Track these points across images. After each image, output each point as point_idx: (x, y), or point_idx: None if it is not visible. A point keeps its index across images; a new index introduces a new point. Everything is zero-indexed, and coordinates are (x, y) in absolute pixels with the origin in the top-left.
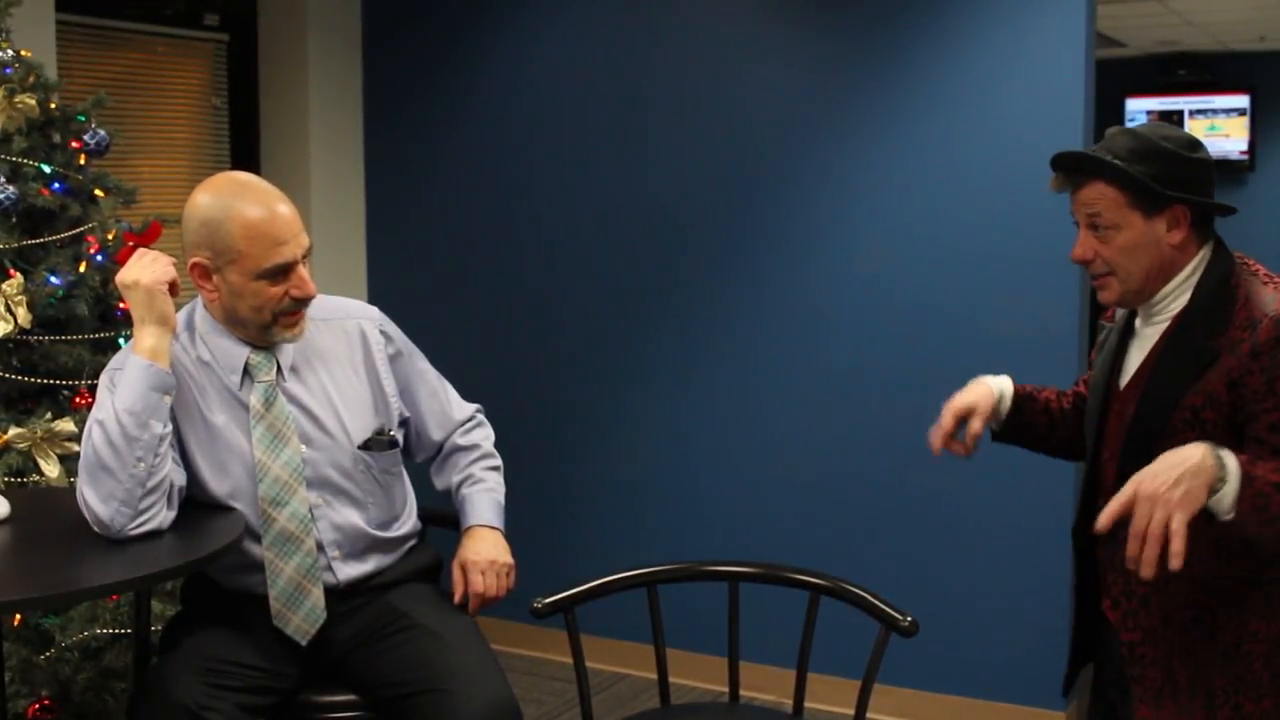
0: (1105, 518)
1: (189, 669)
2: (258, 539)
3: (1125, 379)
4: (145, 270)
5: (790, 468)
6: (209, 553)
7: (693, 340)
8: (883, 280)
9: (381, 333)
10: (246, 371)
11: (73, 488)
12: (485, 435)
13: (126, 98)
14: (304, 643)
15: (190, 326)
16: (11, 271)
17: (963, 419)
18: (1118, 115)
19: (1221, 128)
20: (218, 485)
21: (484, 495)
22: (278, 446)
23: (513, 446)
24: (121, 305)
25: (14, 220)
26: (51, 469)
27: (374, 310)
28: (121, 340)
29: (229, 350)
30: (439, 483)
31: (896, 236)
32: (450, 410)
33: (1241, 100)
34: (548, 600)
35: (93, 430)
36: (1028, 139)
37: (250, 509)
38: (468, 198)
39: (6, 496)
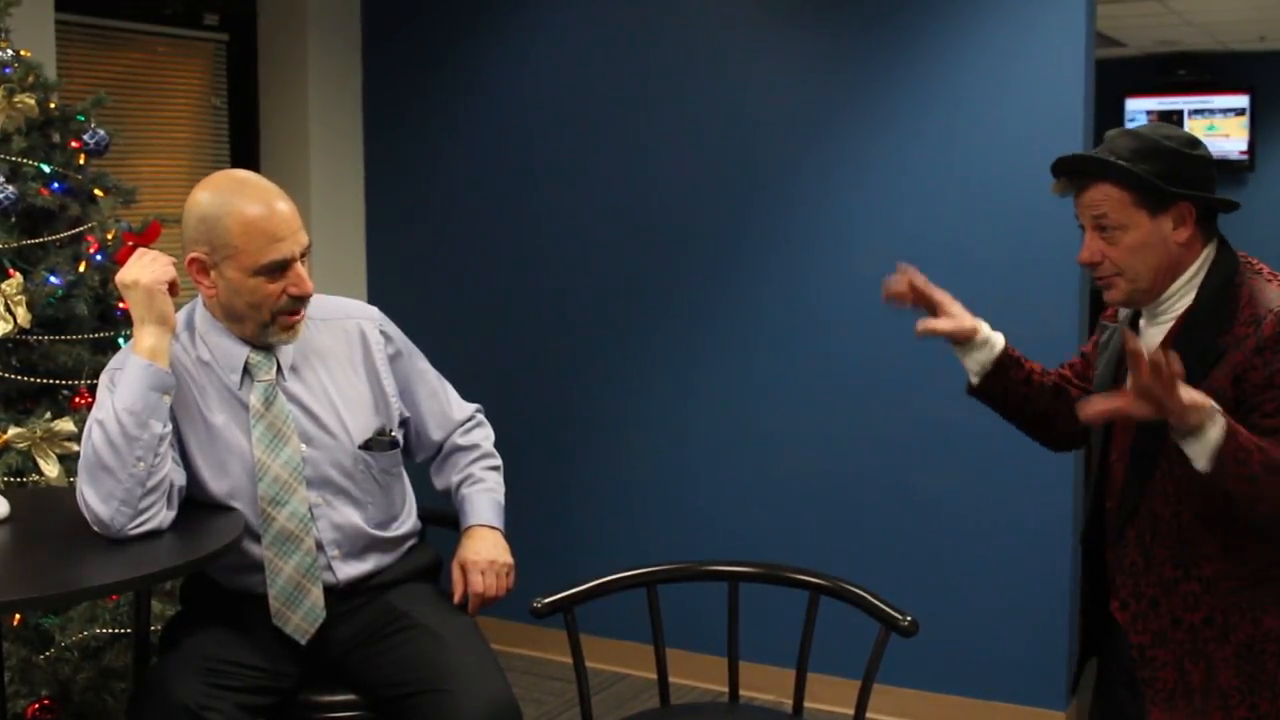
0: (1098, 408)
1: (189, 669)
2: (257, 539)
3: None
4: (145, 270)
5: (790, 468)
6: (209, 553)
7: (692, 340)
8: (883, 280)
9: (381, 333)
10: (246, 371)
11: (72, 488)
12: (485, 435)
13: (126, 98)
14: (303, 642)
15: (190, 326)
16: (11, 271)
17: (927, 307)
18: (1118, 115)
19: (1220, 127)
20: (217, 485)
21: (484, 495)
22: (277, 446)
23: (513, 446)
24: (121, 305)
25: (14, 220)
26: (51, 469)
27: (374, 310)
28: (121, 340)
29: (229, 349)
30: (439, 482)
31: (896, 236)
32: (450, 410)
33: (1241, 100)
34: (548, 600)
35: (92, 430)
36: (1028, 139)
37: (250, 508)
38: (468, 198)
39: (6, 496)
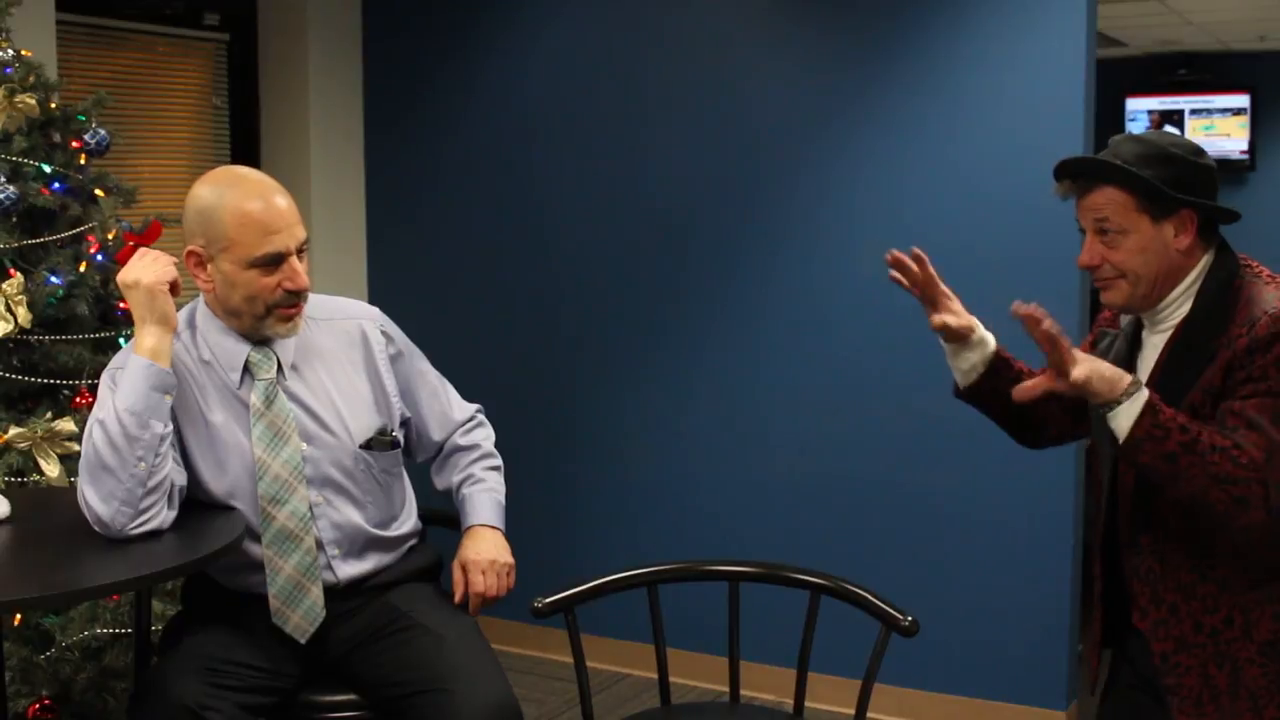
0: (1027, 387)
1: (190, 669)
2: (258, 539)
3: None
4: (146, 270)
5: (790, 468)
6: (209, 553)
7: (693, 340)
8: (883, 280)
9: (382, 333)
10: (247, 369)
11: (73, 487)
12: (486, 435)
13: (126, 98)
14: (303, 641)
15: (191, 325)
16: (12, 271)
17: (927, 301)
18: (1118, 115)
19: (1217, 127)
20: (217, 484)
21: (484, 495)
22: (278, 444)
23: (513, 446)
24: (122, 305)
25: (14, 220)
26: (52, 469)
27: (375, 310)
28: (122, 340)
29: (229, 348)
30: (439, 483)
31: (897, 237)
32: (451, 411)
33: (1241, 100)
34: (548, 600)
35: (93, 430)
36: (1028, 139)
37: (249, 507)
38: (468, 198)
39: (6, 496)
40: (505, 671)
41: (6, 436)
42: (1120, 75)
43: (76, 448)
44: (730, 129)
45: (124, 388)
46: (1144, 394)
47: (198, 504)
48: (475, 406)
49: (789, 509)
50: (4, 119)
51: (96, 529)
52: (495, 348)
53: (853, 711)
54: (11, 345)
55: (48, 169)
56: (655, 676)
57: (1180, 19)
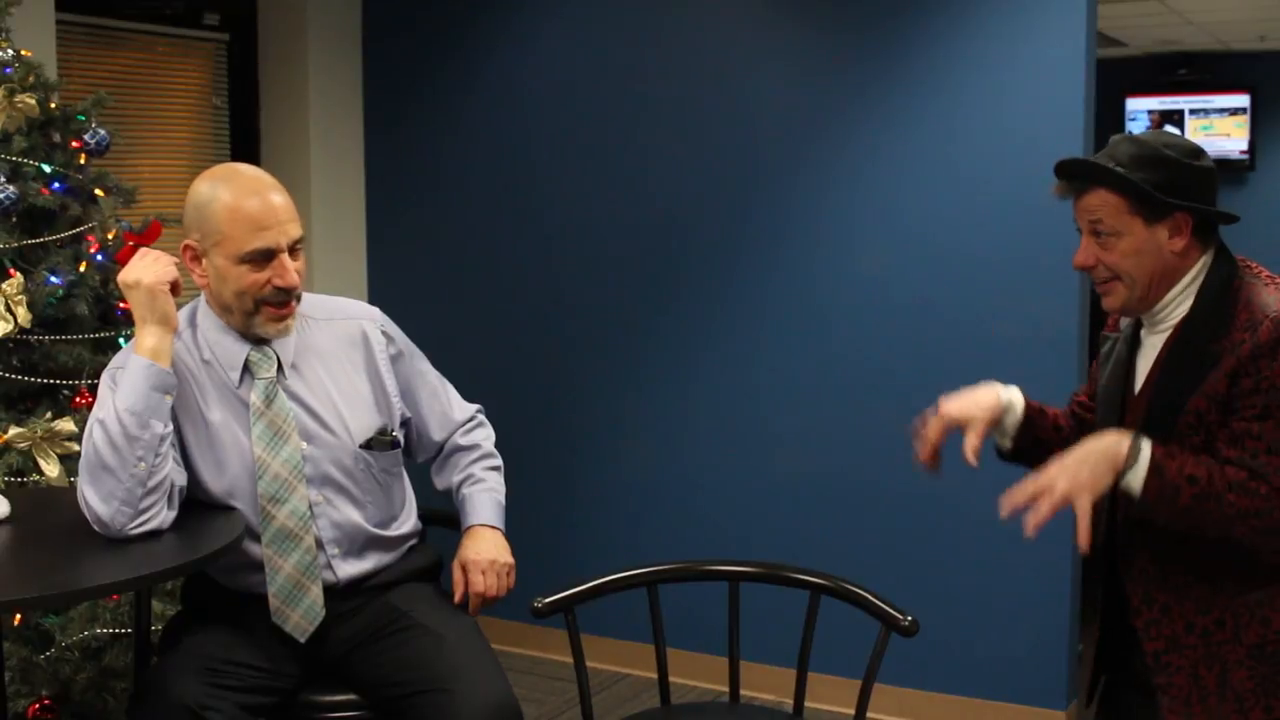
0: (1011, 503)
1: (190, 669)
2: (257, 539)
3: (1136, 388)
4: (147, 270)
5: (790, 468)
6: (209, 553)
7: (693, 340)
8: (883, 280)
9: (383, 333)
10: (247, 368)
11: (73, 487)
12: (486, 435)
13: (126, 98)
14: (302, 640)
15: (193, 323)
16: (12, 271)
17: (955, 430)
18: (1118, 115)
19: (1217, 127)
20: (216, 483)
21: (484, 495)
22: (278, 443)
23: (513, 446)
24: (122, 305)
25: (14, 220)
26: (51, 469)
27: (375, 311)
28: (122, 340)
29: (229, 347)
30: (439, 483)
31: (897, 237)
32: (451, 411)
33: (1241, 100)
34: (548, 600)
35: (94, 430)
36: (1028, 138)
37: (249, 506)
38: (468, 197)
39: (6, 496)
40: (505, 671)
41: (6, 436)
42: (1120, 75)
43: (76, 448)
44: (730, 128)
45: (124, 388)
46: (1145, 459)
47: (198, 504)
48: (475, 407)
49: (789, 509)
50: (4, 119)
51: (96, 529)
52: (495, 347)
53: (853, 711)
54: (11, 345)
55: (48, 169)
56: (655, 676)
57: (1180, 19)
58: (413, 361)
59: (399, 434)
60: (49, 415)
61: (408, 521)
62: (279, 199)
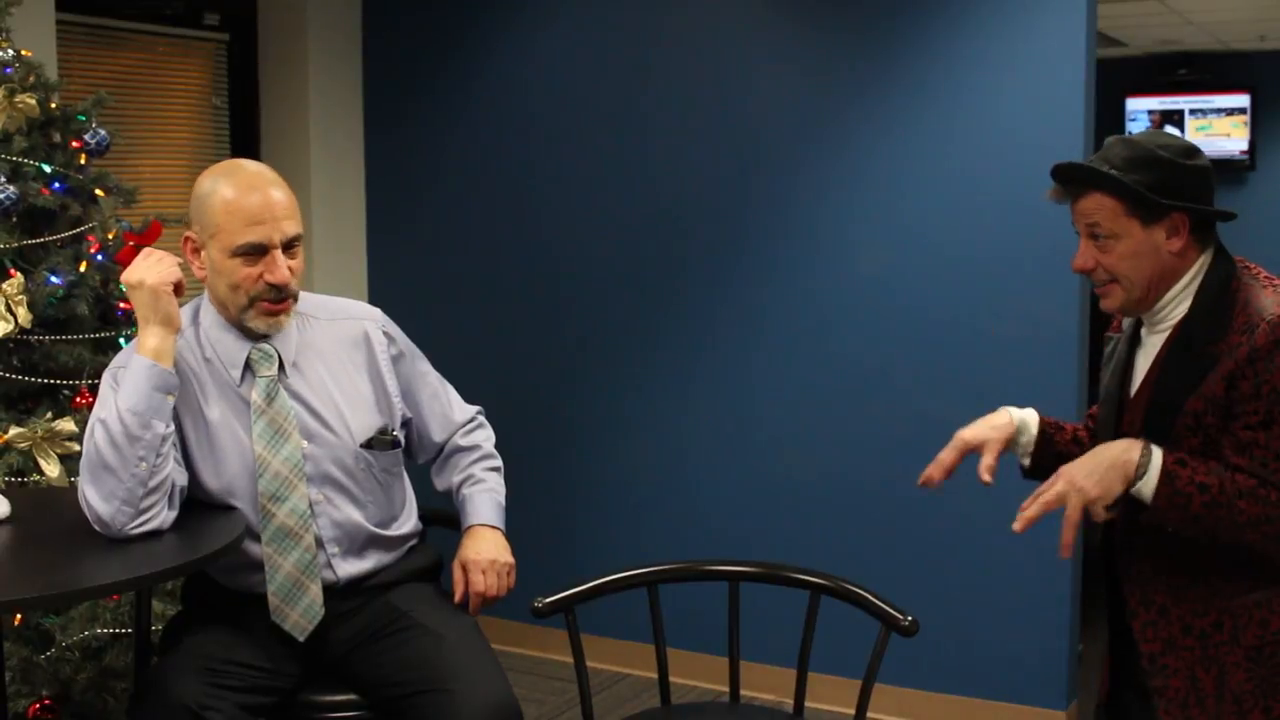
0: (1026, 517)
1: (190, 669)
2: (257, 538)
3: (1134, 388)
4: (150, 270)
5: (790, 468)
6: (209, 553)
7: (693, 340)
8: (883, 280)
9: (384, 334)
10: (248, 366)
11: (73, 487)
12: (486, 436)
13: (126, 98)
14: (301, 639)
15: (195, 321)
16: (12, 271)
17: (971, 452)
18: (1118, 115)
19: (1216, 127)
20: (217, 480)
21: (484, 495)
22: (279, 442)
23: (513, 446)
24: (122, 305)
25: (14, 220)
26: (52, 469)
27: (377, 312)
28: (122, 340)
29: (231, 345)
30: (439, 483)
31: (897, 237)
32: (451, 412)
33: (1242, 100)
34: (548, 600)
35: (95, 429)
36: (1028, 139)
37: (249, 504)
38: (468, 198)
39: (7, 496)
40: (505, 671)
41: (6, 436)
42: (1120, 75)
43: (76, 448)
44: (730, 128)
45: (126, 387)
46: (1156, 467)
47: (198, 504)
48: (476, 408)
49: (789, 509)
50: (4, 119)
51: (97, 528)
52: (495, 347)
53: (853, 711)
54: (11, 345)
55: (48, 169)
56: (655, 676)
57: (1180, 19)
58: (414, 362)
59: (399, 434)
60: (49, 415)
61: (408, 522)
62: (279, 195)
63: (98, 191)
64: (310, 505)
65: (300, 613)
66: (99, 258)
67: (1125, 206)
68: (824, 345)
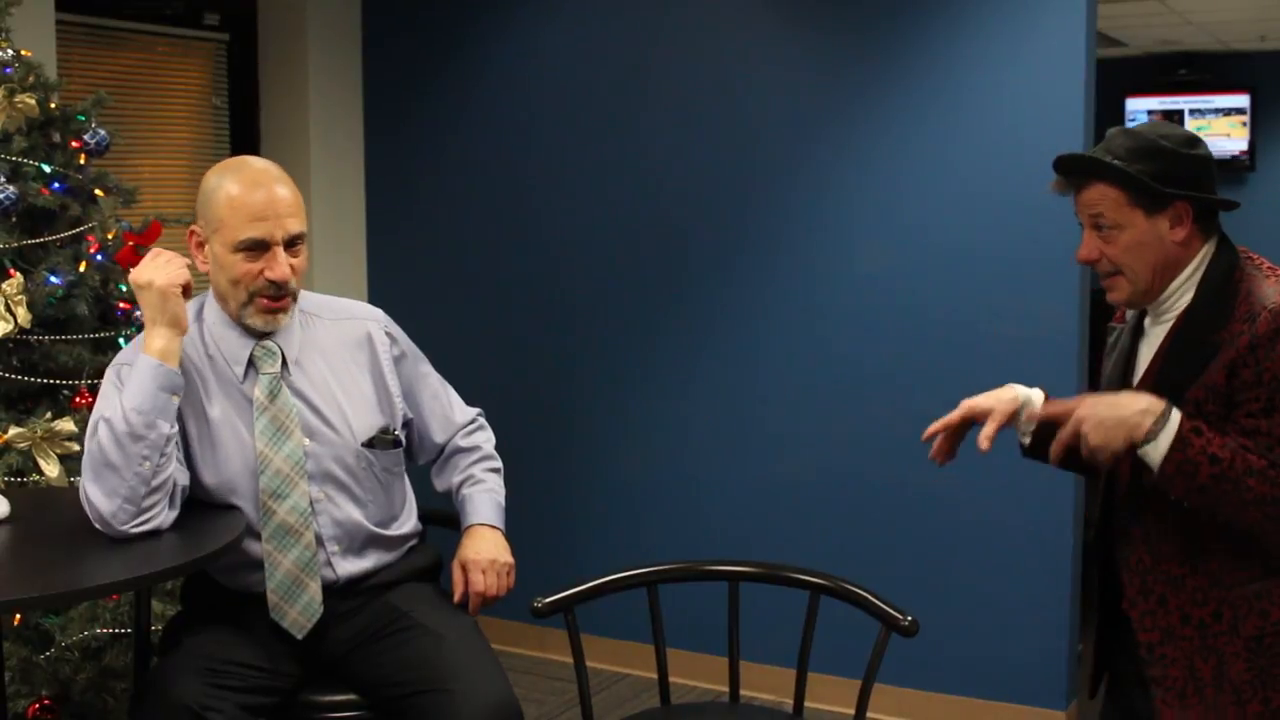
0: (1056, 447)
1: (191, 669)
2: (257, 536)
3: (1136, 378)
4: (159, 271)
5: (790, 468)
6: (209, 552)
7: (693, 340)
8: (883, 280)
9: (387, 334)
10: (251, 363)
11: (73, 487)
12: (486, 438)
13: (126, 98)
14: (300, 636)
15: (199, 318)
16: (11, 271)
17: (976, 422)
18: (1118, 115)
19: (1211, 127)
20: (218, 477)
21: (484, 495)
22: (280, 439)
23: (513, 446)
24: (122, 305)
25: (14, 220)
26: (51, 469)
27: (379, 312)
28: (122, 340)
29: (234, 342)
30: (439, 484)
31: (897, 237)
32: (452, 413)
33: (1241, 100)
34: (548, 600)
35: (99, 427)
36: (1028, 139)
37: (250, 502)
38: (468, 198)
39: (6, 496)
40: (505, 671)
41: (6, 436)
42: (1120, 75)
43: (76, 448)
44: (730, 129)
45: (132, 387)
46: (1171, 430)
47: (198, 503)
48: (476, 410)
49: (789, 509)
50: (4, 119)
51: (97, 525)
52: (494, 347)
53: (853, 711)
54: (11, 345)
55: (48, 169)
56: (655, 676)
57: (1180, 19)
58: (416, 364)
59: (400, 434)
60: (49, 415)
61: (408, 522)
62: (283, 192)
63: (97, 191)
64: (311, 503)
65: (299, 610)
66: (99, 258)
67: (1129, 196)
68: (824, 345)
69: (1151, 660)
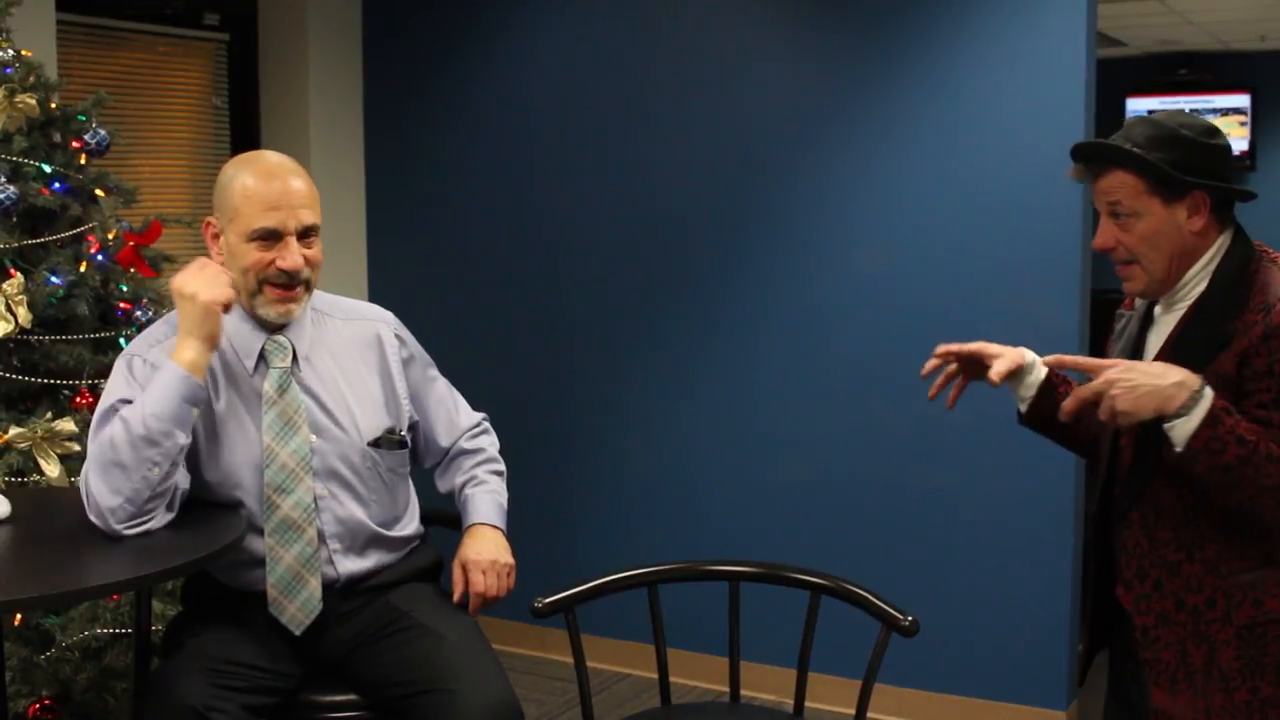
0: (1071, 402)
1: (194, 670)
2: (259, 532)
3: None
4: (205, 286)
5: (790, 468)
6: (210, 552)
7: (693, 340)
8: (883, 280)
9: (396, 337)
10: (262, 357)
11: (73, 487)
12: (491, 441)
13: (126, 98)
14: (298, 632)
15: None
16: (12, 271)
17: (983, 365)
18: (1118, 115)
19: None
20: (223, 470)
21: (486, 496)
22: (287, 434)
23: (513, 446)
24: (122, 305)
25: (14, 220)
26: (52, 469)
27: (390, 315)
28: (122, 340)
29: (246, 335)
30: (442, 485)
31: (897, 237)
32: (458, 417)
33: (1241, 100)
34: (548, 600)
35: (114, 424)
36: (1028, 139)
37: (253, 495)
38: (468, 197)
39: (7, 496)
40: (506, 671)
41: (6, 436)
42: (1120, 75)
43: (76, 448)
44: (730, 129)
45: (154, 393)
46: (1204, 406)
47: (199, 502)
48: (482, 415)
49: (789, 509)
50: (4, 119)
51: (93, 517)
52: (495, 347)
53: (853, 711)
54: (11, 345)
55: (48, 169)
56: (655, 676)
57: (1180, 19)
58: (424, 367)
59: (406, 436)
60: (49, 415)
61: (410, 524)
62: (298, 184)
63: (98, 191)
64: (315, 499)
65: (298, 606)
66: (99, 258)
67: (1147, 184)
68: (824, 345)
69: (1145, 642)
